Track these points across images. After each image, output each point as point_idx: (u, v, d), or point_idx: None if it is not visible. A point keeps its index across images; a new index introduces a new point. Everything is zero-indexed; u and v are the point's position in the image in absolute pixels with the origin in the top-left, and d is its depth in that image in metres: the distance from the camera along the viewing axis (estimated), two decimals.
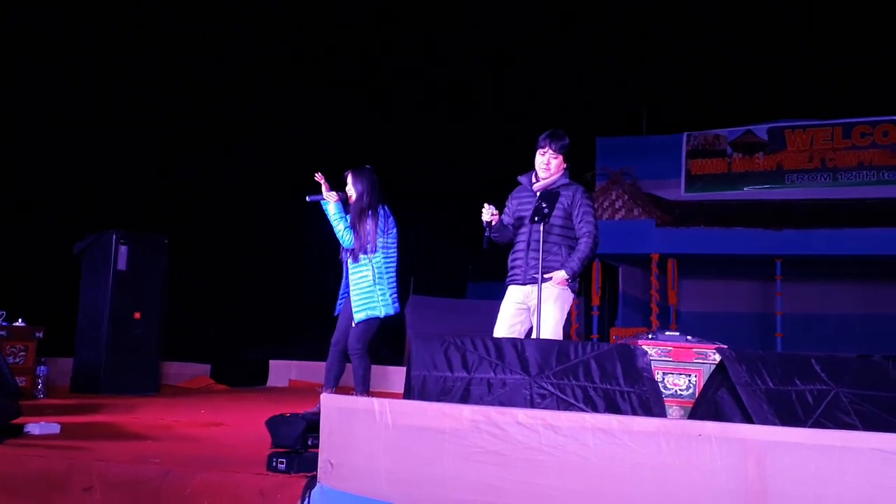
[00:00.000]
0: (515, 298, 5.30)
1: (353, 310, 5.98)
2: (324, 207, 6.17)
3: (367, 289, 6.00)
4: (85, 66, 11.70)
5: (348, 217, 6.14)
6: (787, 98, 16.49)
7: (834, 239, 13.33)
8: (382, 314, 6.02)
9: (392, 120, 15.73)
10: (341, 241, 6.09)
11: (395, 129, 15.52)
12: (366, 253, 6.02)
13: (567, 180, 5.41)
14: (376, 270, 6.02)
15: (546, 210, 5.11)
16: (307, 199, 6.13)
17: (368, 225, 6.04)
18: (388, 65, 16.07)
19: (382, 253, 6.06)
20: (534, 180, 5.43)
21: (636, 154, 15.93)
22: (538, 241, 5.12)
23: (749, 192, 15.59)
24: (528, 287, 5.21)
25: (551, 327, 5.11)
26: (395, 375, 9.53)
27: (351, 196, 6.15)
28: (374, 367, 6.21)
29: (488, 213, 5.25)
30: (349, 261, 6.11)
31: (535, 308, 5.05)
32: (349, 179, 6.17)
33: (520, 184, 5.52)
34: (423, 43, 16.06)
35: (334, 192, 6.14)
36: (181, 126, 12.69)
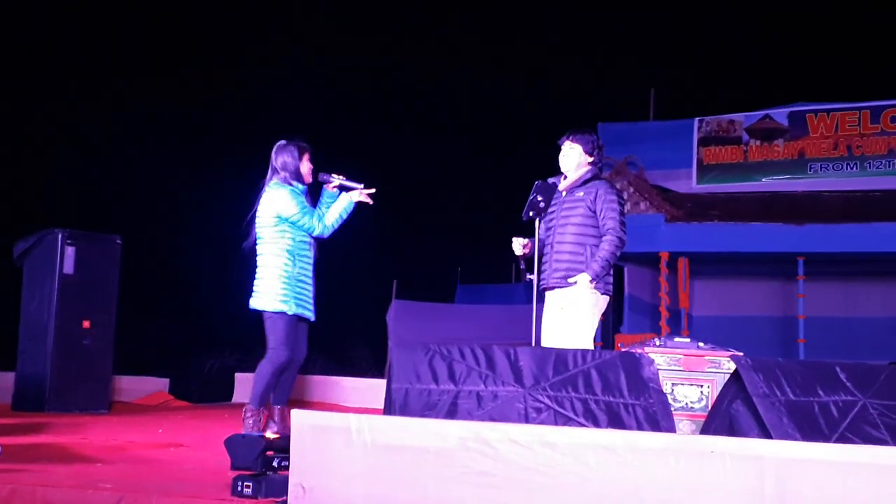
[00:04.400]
0: (553, 304, 5.56)
1: (310, 306, 5.92)
2: (348, 203, 5.84)
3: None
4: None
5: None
6: (808, 79, 16.53)
7: (862, 234, 13.37)
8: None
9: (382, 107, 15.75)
10: (326, 233, 5.83)
11: (378, 115, 15.53)
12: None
13: (591, 175, 5.67)
14: None
15: (542, 204, 5.27)
16: (335, 183, 5.85)
17: None
18: (378, 62, 16.12)
19: None
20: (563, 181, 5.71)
21: (642, 141, 15.89)
22: (557, 241, 5.49)
23: (768, 182, 15.62)
24: (556, 291, 5.52)
25: (577, 335, 5.37)
26: (375, 389, 9.51)
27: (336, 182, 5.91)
28: (351, 378, 6.23)
29: (519, 247, 5.60)
30: (311, 251, 5.91)
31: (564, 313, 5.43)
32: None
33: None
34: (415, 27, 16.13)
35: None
36: (132, 114, 12.69)
